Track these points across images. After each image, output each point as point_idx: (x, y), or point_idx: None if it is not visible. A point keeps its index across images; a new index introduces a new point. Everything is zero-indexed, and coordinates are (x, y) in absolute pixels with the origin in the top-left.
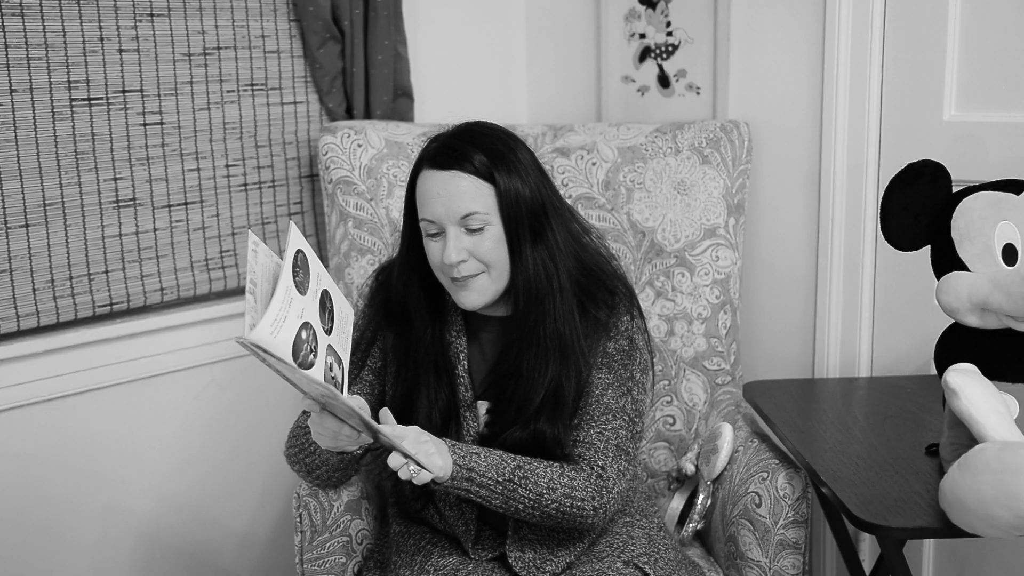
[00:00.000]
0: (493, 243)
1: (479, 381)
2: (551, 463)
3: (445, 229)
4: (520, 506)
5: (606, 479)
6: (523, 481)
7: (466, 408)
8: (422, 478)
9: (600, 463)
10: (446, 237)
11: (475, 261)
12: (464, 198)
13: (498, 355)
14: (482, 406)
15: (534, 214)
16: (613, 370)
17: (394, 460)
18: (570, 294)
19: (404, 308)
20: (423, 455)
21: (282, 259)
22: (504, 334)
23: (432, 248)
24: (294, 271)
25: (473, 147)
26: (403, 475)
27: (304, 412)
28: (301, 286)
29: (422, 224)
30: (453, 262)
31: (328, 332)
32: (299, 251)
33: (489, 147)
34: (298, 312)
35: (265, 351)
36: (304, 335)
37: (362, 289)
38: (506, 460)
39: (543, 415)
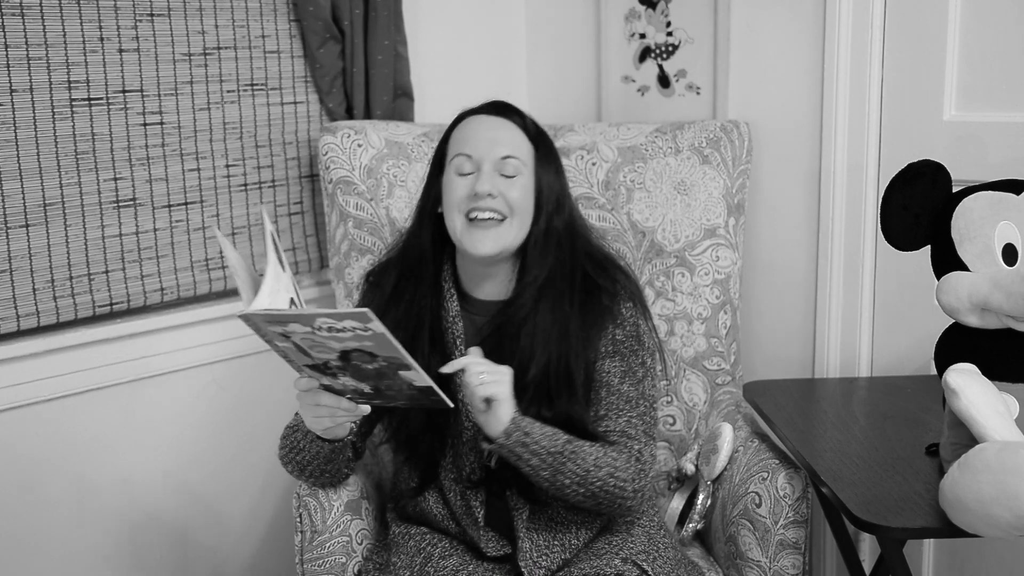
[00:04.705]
0: (522, 192)
1: None
2: (594, 443)
3: (481, 166)
4: (567, 480)
5: (643, 463)
6: (572, 455)
7: (467, 394)
8: (487, 391)
9: (637, 447)
10: (480, 173)
11: (503, 201)
12: (509, 142)
13: (495, 330)
14: None
15: (561, 191)
16: (624, 357)
17: (473, 372)
18: (578, 274)
19: (401, 290)
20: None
21: (264, 240)
22: (503, 314)
23: (459, 183)
24: (275, 250)
25: (522, 113)
26: (475, 383)
27: (297, 412)
28: (282, 263)
29: (456, 160)
30: (485, 191)
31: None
32: (271, 233)
33: (535, 121)
34: (286, 286)
35: (275, 312)
36: (293, 309)
37: (354, 291)
38: (558, 433)
39: (562, 397)
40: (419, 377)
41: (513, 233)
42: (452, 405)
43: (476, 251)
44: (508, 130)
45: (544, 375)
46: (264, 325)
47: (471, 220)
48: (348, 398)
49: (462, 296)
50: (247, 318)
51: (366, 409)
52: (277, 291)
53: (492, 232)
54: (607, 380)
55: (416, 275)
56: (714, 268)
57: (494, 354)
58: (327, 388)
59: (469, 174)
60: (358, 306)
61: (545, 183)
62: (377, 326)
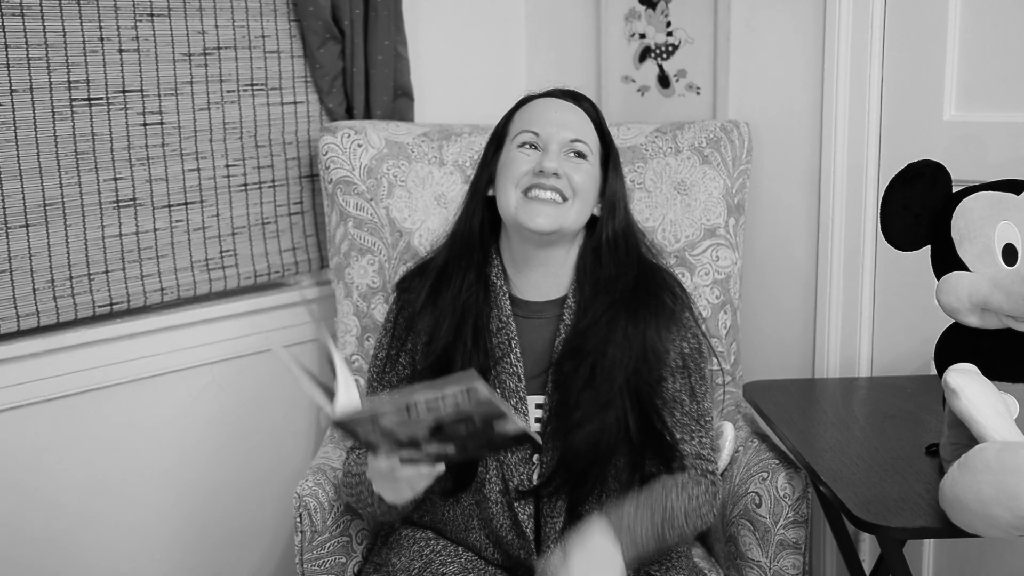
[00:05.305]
0: (585, 177)
1: (531, 373)
2: (670, 487)
3: (547, 146)
4: (668, 545)
5: (717, 484)
6: (667, 524)
7: (518, 401)
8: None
9: (711, 469)
10: (547, 151)
11: (567, 183)
12: (578, 126)
13: (574, 332)
14: (532, 400)
15: (624, 192)
16: (691, 374)
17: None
18: (634, 274)
19: (447, 278)
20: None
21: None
22: (571, 311)
23: (522, 158)
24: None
25: (593, 103)
26: None
27: (355, 461)
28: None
29: (521, 136)
30: (551, 168)
31: None
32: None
33: (602, 115)
34: (353, 379)
35: (369, 410)
36: (389, 397)
37: (354, 291)
38: (653, 516)
39: (648, 399)
40: (513, 425)
41: (572, 216)
42: (541, 442)
43: (532, 224)
44: (577, 116)
45: (627, 381)
46: (355, 425)
47: (529, 197)
48: (428, 461)
49: (513, 298)
50: (341, 425)
51: (442, 468)
52: (349, 385)
53: (551, 209)
54: (678, 399)
55: (463, 263)
56: (714, 268)
57: (571, 360)
58: (407, 460)
59: (534, 150)
60: (389, 313)
61: (614, 183)
62: (482, 389)
